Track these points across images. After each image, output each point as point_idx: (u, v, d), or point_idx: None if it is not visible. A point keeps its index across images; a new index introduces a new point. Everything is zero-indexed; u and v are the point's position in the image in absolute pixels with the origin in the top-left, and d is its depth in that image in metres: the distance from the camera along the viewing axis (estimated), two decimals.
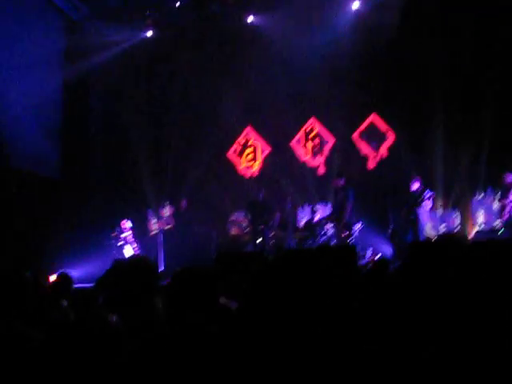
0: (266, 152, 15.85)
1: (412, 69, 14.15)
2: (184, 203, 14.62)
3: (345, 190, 12.84)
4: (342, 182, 12.96)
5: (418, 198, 12.33)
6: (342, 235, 12.63)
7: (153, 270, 4.82)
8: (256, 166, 15.85)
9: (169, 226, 14.89)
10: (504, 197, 12.29)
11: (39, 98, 13.37)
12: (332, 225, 13.03)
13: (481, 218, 13.76)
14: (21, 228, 12.22)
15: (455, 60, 13.82)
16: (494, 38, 13.45)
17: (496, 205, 13.08)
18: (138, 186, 15.23)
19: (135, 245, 13.55)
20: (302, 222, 14.12)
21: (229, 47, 15.28)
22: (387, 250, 12.78)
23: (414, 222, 12.22)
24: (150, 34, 15.46)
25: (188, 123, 15.56)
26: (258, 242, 13.38)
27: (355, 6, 14.68)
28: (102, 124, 15.69)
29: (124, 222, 13.71)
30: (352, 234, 12.69)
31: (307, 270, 3.97)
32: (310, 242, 12.95)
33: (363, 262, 11.18)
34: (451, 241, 4.80)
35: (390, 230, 12.65)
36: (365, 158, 15.20)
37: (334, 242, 12.70)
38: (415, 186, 12.53)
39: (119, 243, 13.44)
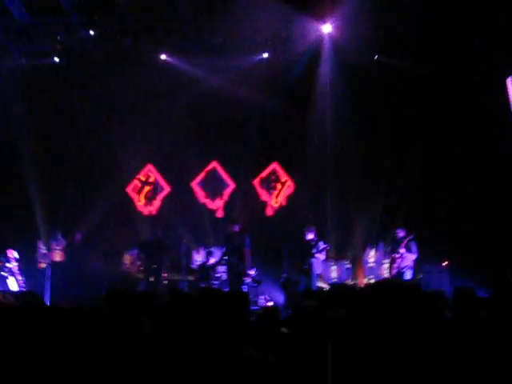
0: (166, 191, 15.75)
1: (315, 121, 14.58)
2: (78, 236, 14.25)
3: (241, 235, 12.89)
4: (236, 228, 13.02)
5: (312, 248, 12.54)
6: (247, 278, 12.63)
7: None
8: (155, 205, 15.71)
9: (59, 259, 14.44)
10: (394, 251, 12.73)
11: None
12: (224, 269, 13.01)
13: (372, 271, 14.18)
14: None
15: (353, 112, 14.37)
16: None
17: (386, 260, 13.55)
18: (29, 215, 14.70)
19: (20, 277, 12.98)
20: (196, 264, 14.04)
21: (138, 82, 15.11)
22: (279, 297, 12.89)
23: (307, 272, 12.38)
24: (57, 59, 15.03)
25: (88, 155, 15.25)
26: (150, 280, 13.17)
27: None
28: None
29: (10, 251, 13.13)
30: (257, 281, 12.77)
31: (198, 313, 3.94)
32: (203, 284, 12.87)
33: (255, 308, 11.19)
34: (343, 289, 4.91)
35: (282, 279, 12.78)
36: (263, 205, 15.41)
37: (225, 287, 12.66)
38: (310, 235, 12.74)
39: (3, 273, 12.84)
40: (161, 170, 15.86)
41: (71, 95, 15.21)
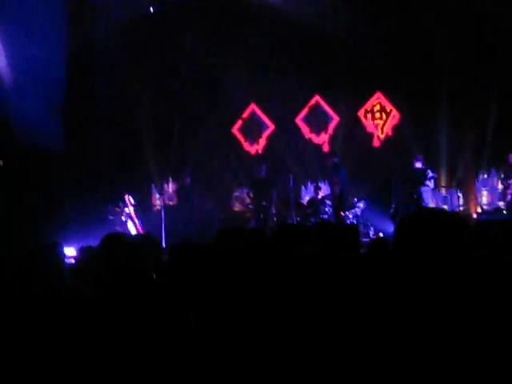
0: (271, 129, 15.84)
1: (418, 47, 14.08)
2: (188, 179, 14.66)
3: (337, 167, 12.94)
4: (335, 159, 13.08)
5: (420, 176, 12.35)
6: (341, 213, 12.73)
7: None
8: (261, 143, 15.86)
9: (172, 202, 14.98)
10: (507, 178, 12.32)
11: (43, 69, 13.34)
12: (330, 203, 13.12)
13: (484, 198, 13.80)
14: (24, 202, 12.29)
15: (460, 39, 13.75)
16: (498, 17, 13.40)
17: (500, 186, 13.13)
18: (141, 161, 15.27)
19: (137, 220, 13.59)
20: (305, 200, 14.17)
21: (233, 21, 15.17)
22: (390, 228, 12.83)
23: (417, 201, 12.25)
24: (152, 9, 15.32)
25: (193, 99, 15.53)
26: (260, 218, 13.46)
27: None
28: (106, 98, 15.63)
29: (127, 196, 13.74)
30: (348, 214, 12.85)
31: (307, 245, 4.01)
32: (313, 219, 13.00)
33: (366, 240, 11.23)
34: (455, 219, 4.84)
35: (392, 209, 12.69)
36: (370, 136, 15.21)
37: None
38: (418, 164, 12.54)
39: (123, 218, 13.49)
40: (264, 108, 15.91)
41: (172, 41, 15.46)
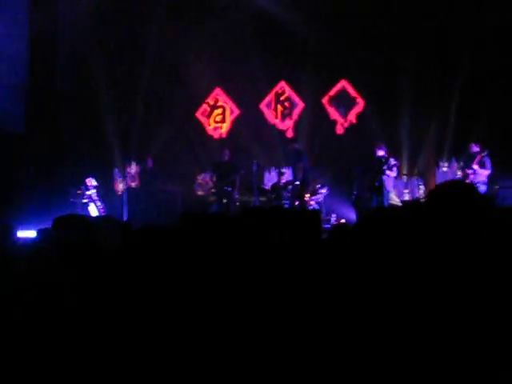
0: (235, 114, 15.82)
1: (383, 34, 14.18)
2: (150, 162, 14.59)
3: (298, 154, 13.05)
4: (296, 146, 13.22)
5: (383, 164, 12.47)
6: (305, 198, 12.86)
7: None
8: (224, 128, 15.83)
9: (134, 184, 14.88)
10: (467, 167, 12.52)
11: (2, 48, 13.11)
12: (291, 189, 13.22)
13: None
14: None
15: (427, 24, 13.90)
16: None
17: (459, 174, 13.34)
18: (104, 144, 15.13)
19: (100, 203, 13.48)
20: (268, 185, 14.22)
21: (199, 4, 15.06)
22: (351, 215, 12.97)
23: (379, 189, 12.37)
24: None
25: (158, 81, 15.41)
26: (223, 202, 13.47)
27: None
28: (69, 79, 15.41)
29: (89, 179, 13.60)
30: (310, 200, 12.97)
31: (270, 227, 4.03)
32: (275, 204, 13.06)
33: (327, 226, 11.33)
34: (416, 207, 4.88)
35: (353, 196, 12.82)
36: (333, 123, 15.31)
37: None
38: (380, 152, 12.66)
39: (84, 201, 13.36)
40: (229, 93, 15.87)
41: (136, 22, 15.29)
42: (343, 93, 15.33)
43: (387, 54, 14.24)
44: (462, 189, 1.72)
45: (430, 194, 1.81)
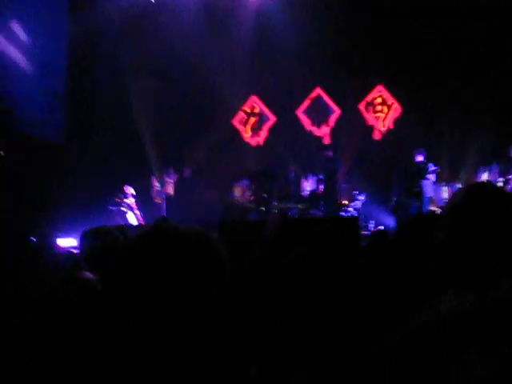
0: (272, 121, 15.86)
1: (422, 39, 14.08)
2: (188, 171, 14.69)
3: (333, 161, 13.05)
4: (330, 153, 13.20)
5: (421, 170, 12.37)
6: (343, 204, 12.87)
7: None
8: (262, 135, 15.88)
9: (172, 193, 14.98)
10: (508, 172, 12.34)
11: (44, 58, 13.35)
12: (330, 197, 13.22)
13: None
14: (25, 193, 12.30)
15: (469, 31, 13.76)
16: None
17: (500, 180, 13.15)
18: (142, 152, 15.28)
19: (138, 212, 13.62)
20: (306, 192, 14.20)
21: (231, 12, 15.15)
22: (390, 222, 12.87)
23: (418, 195, 12.28)
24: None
25: (194, 90, 15.54)
26: (261, 210, 13.51)
27: None
28: (107, 88, 15.63)
29: (127, 187, 13.75)
30: (349, 207, 12.95)
31: (311, 239, 4.06)
32: (313, 212, 13.06)
33: (366, 233, 11.27)
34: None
35: (393, 203, 12.72)
36: (371, 129, 15.25)
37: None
38: (419, 158, 12.56)
39: (123, 209, 13.50)
40: (265, 100, 15.93)
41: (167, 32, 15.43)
42: (380, 98, 15.26)
43: (426, 59, 14.11)
44: (485, 191, 1.69)
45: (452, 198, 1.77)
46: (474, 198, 1.70)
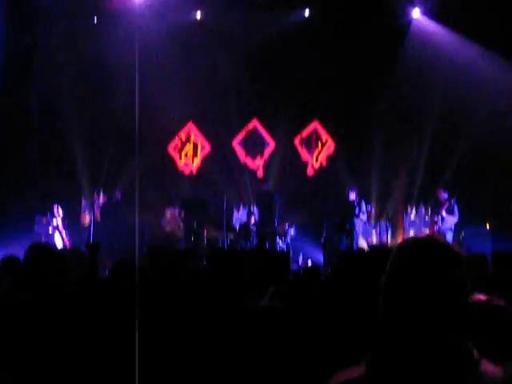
0: (206, 150, 15.81)
1: (357, 82, 14.37)
2: (118, 194, 14.45)
3: (270, 195, 13.15)
4: (265, 186, 13.32)
5: (354, 208, 12.58)
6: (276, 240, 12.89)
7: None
8: (196, 163, 15.79)
9: (100, 217, 14.64)
10: (435, 213, 12.68)
11: None
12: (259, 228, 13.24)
13: (412, 233, 14.10)
14: None
15: (401, 73, 14.15)
16: None
17: (427, 220, 13.49)
18: (72, 172, 14.94)
19: (65, 233, 13.26)
20: (237, 223, 14.18)
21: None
22: (319, 257, 12.96)
23: (350, 232, 12.44)
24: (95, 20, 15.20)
25: (129, 113, 15.34)
26: (191, 238, 13.38)
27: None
28: (39, 103, 15.28)
29: (56, 207, 13.40)
30: (279, 240, 13.01)
31: (242, 271, 4.01)
32: (244, 243, 13.02)
33: (295, 267, 11.29)
34: (383, 252, 4.90)
35: (322, 238, 12.83)
36: (305, 165, 15.40)
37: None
38: (352, 196, 12.78)
39: (50, 230, 13.13)
40: (201, 128, 15.88)
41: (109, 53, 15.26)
42: (315, 134, 15.45)
43: (360, 97, 14.40)
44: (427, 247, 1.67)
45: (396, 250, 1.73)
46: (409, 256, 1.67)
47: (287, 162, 15.25)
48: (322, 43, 14.43)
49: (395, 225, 14.27)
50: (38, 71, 15.13)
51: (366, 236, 13.73)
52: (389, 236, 13.70)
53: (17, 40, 14.20)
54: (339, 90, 14.51)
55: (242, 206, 14.86)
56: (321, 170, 15.36)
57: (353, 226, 12.46)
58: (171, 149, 15.90)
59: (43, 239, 12.59)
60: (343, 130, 14.96)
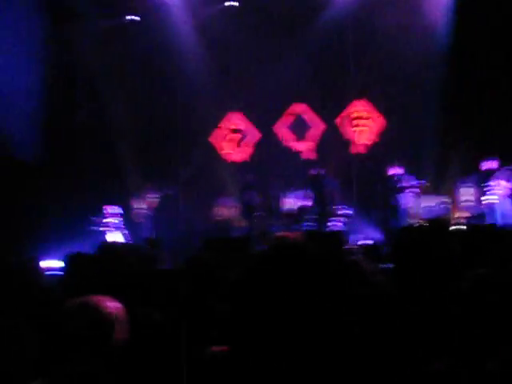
0: (257, 136, 15.78)
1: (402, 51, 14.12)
2: (170, 188, 14.60)
3: (321, 177, 13.07)
4: (316, 170, 13.24)
5: (398, 182, 12.42)
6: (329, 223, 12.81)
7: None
8: (243, 151, 15.79)
9: (153, 211, 14.81)
10: (484, 183, 12.40)
11: (20, 78, 13.31)
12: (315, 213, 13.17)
13: (465, 203, 13.77)
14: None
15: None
16: None
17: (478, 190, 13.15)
18: (123, 169, 15.15)
19: (122, 231, 13.48)
20: (287, 208, 14.16)
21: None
22: (377, 235, 12.81)
23: (394, 208, 12.30)
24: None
25: (175, 106, 15.54)
26: (243, 226, 13.48)
27: None
28: (86, 106, 15.55)
29: (108, 207, 13.62)
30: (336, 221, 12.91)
31: (298, 259, 3.97)
32: (296, 227, 12.99)
33: (354, 247, 11.20)
34: (437, 225, 4.84)
35: (379, 217, 12.70)
36: (349, 143, 15.24)
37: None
38: (395, 170, 12.62)
39: (105, 229, 13.35)
40: (246, 115, 15.87)
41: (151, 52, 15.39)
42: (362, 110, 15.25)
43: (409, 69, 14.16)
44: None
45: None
46: None
47: (337, 142, 15.09)
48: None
49: (450, 198, 13.97)
50: (81, 74, 15.37)
51: (418, 210, 13.47)
52: (444, 208, 13.43)
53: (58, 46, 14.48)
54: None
55: (291, 191, 14.82)
56: (369, 148, 15.16)
57: (396, 202, 12.30)
58: (215, 138, 15.92)
59: (101, 239, 12.81)
60: (392, 103, 14.69)
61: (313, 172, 13.36)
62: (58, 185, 14.16)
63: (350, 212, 13.31)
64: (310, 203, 13.50)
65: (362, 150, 15.17)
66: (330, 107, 15.27)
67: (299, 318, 2.77)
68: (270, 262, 2.15)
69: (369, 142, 15.16)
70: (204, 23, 15.18)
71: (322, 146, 15.37)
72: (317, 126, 15.52)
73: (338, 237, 6.79)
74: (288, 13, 14.77)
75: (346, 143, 15.23)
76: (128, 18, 15.57)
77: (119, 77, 15.32)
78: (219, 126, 15.93)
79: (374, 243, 9.68)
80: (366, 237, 13.03)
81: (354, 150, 15.17)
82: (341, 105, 15.24)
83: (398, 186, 12.40)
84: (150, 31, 15.18)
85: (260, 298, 2.63)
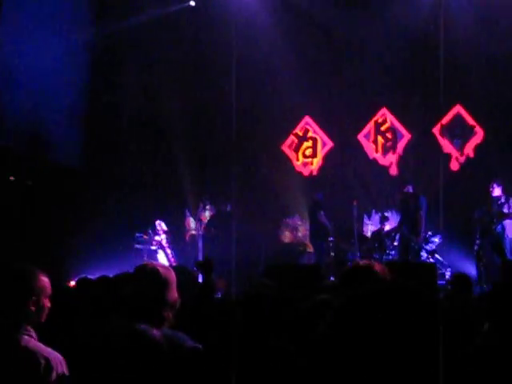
0: (328, 147, 15.59)
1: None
2: (227, 204, 14.56)
3: (415, 198, 12.71)
4: (409, 188, 12.85)
5: (501, 206, 11.98)
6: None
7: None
8: (315, 163, 15.61)
9: (208, 230, 14.79)
10: None
11: (62, 79, 13.56)
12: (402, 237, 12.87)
13: None
14: (37, 225, 12.42)
15: None
16: None
17: None
18: (174, 182, 15.17)
19: (170, 251, 13.48)
20: (369, 232, 13.92)
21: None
22: (471, 270, 12.41)
23: (499, 237, 11.88)
24: (192, 3, 15.32)
25: (236, 109, 15.44)
26: (314, 251, 13.34)
27: None
28: (134, 110, 15.67)
29: (159, 222, 13.66)
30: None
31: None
32: (377, 255, 12.74)
33: (441, 282, 10.89)
34: None
35: (476, 246, 12.25)
36: (446, 158, 14.84)
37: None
38: (498, 191, 12.17)
39: (152, 247, 13.39)
40: (320, 122, 15.70)
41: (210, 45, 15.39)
42: (458, 121, 14.86)
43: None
44: None
45: None
46: None
47: (426, 156, 14.75)
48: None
49: None
50: (128, 65, 15.51)
51: None
52: None
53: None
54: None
55: (373, 212, 14.55)
56: (468, 164, 14.74)
57: (503, 228, 11.86)
58: (286, 147, 15.79)
59: (145, 258, 12.84)
60: (492, 113, 14.30)
61: (408, 189, 13.00)
62: (100, 192, 14.33)
63: (438, 240, 12.94)
64: (393, 226, 13.23)
65: (458, 166, 14.77)
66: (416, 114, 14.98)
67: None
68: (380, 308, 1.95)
69: (464, 157, 14.78)
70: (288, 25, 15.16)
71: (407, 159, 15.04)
72: (403, 136, 15.22)
73: (433, 271, 6.57)
74: None
75: (437, 156, 14.84)
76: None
77: (172, 80, 15.32)
78: (293, 132, 15.77)
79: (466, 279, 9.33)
80: (456, 270, 12.67)
81: (453, 166, 14.77)
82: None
83: (503, 209, 11.96)
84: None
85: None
